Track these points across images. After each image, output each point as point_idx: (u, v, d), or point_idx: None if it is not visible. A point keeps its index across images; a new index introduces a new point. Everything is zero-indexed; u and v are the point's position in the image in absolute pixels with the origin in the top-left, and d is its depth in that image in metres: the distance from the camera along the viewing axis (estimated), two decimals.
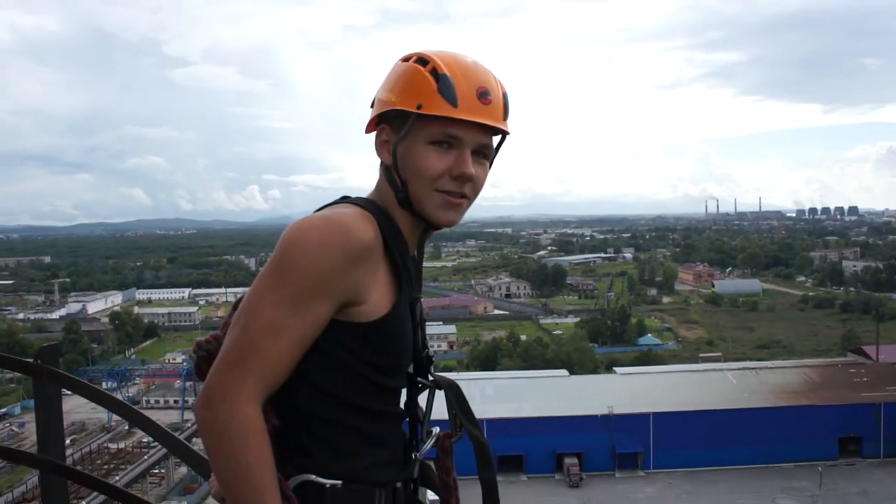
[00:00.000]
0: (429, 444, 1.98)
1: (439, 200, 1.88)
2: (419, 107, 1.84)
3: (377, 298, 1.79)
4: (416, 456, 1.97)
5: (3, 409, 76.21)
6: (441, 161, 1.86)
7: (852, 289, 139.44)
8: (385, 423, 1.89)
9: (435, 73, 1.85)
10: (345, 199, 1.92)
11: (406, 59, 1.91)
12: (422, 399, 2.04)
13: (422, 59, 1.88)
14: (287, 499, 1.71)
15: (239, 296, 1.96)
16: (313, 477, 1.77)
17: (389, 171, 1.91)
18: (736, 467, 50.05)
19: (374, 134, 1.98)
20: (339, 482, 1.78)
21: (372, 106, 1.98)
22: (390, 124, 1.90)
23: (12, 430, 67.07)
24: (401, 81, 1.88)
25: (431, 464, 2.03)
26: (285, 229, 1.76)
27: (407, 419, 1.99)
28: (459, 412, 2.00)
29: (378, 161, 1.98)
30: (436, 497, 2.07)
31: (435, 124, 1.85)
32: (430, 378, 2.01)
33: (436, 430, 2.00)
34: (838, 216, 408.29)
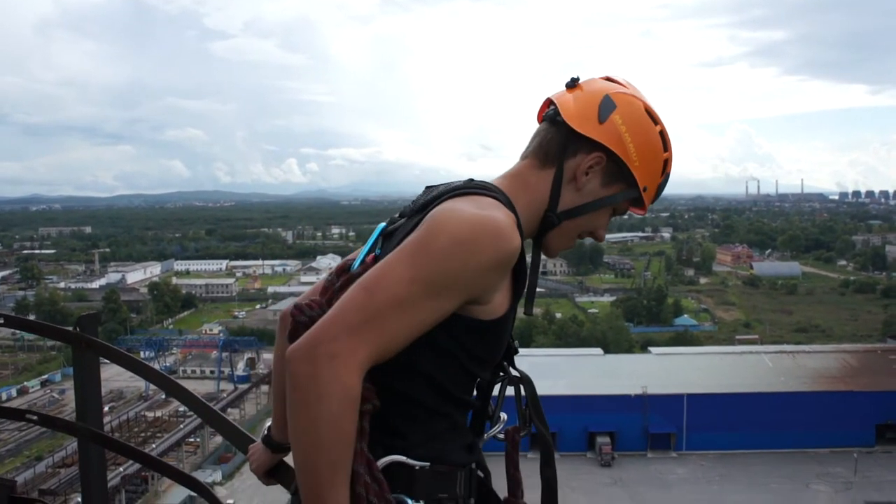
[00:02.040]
0: (496, 429, 2.01)
1: (570, 245, 2.01)
2: (644, 189, 1.94)
3: (500, 299, 1.79)
4: (484, 439, 2.01)
5: (45, 376, 77.68)
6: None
7: (895, 274, 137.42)
8: (466, 412, 1.94)
9: (665, 166, 1.96)
10: (472, 182, 1.88)
11: (654, 121, 1.93)
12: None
13: (664, 141, 1.94)
14: (377, 481, 1.71)
15: (341, 262, 2.00)
16: (404, 458, 1.77)
17: (559, 188, 1.91)
18: (770, 451, 49.76)
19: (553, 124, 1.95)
20: (428, 464, 1.79)
21: (571, 85, 1.98)
22: (607, 160, 1.90)
23: (53, 397, 68.45)
24: (647, 151, 1.92)
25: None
26: (437, 210, 1.74)
27: (480, 405, 2.01)
28: (532, 409, 2.04)
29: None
30: None
31: (628, 203, 1.98)
32: (515, 371, 2.03)
33: (504, 416, 2.02)
34: (882, 199, 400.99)
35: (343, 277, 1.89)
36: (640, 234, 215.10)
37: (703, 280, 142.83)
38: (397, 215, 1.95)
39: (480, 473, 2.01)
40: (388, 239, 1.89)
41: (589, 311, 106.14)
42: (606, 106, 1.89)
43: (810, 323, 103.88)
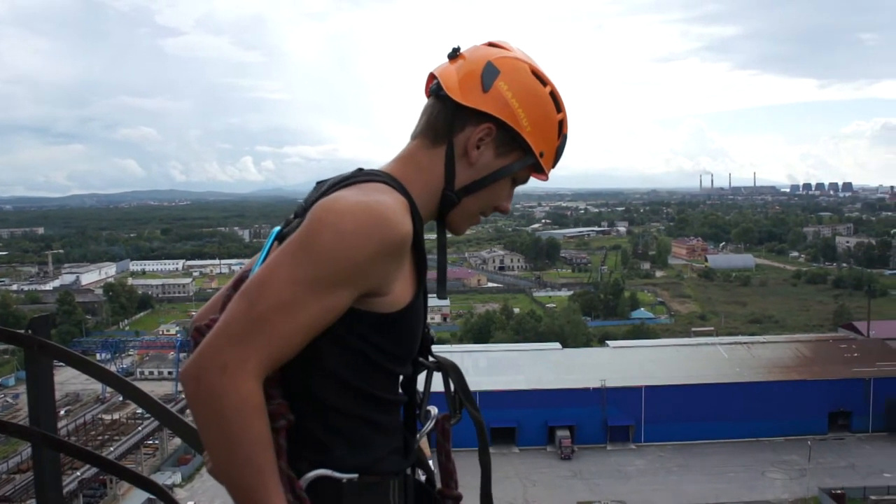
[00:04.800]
0: (429, 425, 1.91)
1: (475, 221, 1.91)
2: (541, 154, 1.84)
3: (400, 289, 1.70)
4: (417, 439, 1.91)
5: None
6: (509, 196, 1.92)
7: (845, 265, 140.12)
8: (393, 412, 1.83)
9: (560, 127, 1.85)
10: (361, 172, 1.78)
11: (542, 82, 1.83)
12: (419, 379, 1.95)
13: (556, 102, 1.84)
14: (299, 499, 1.61)
15: (238, 273, 1.88)
16: (329, 472, 1.67)
17: (452, 165, 1.81)
18: (727, 441, 50.45)
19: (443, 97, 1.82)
20: (356, 476, 1.69)
21: (453, 55, 1.86)
22: (497, 129, 1.79)
23: (7, 402, 67.16)
24: (538, 114, 1.81)
25: (420, 445, 1.95)
26: (318, 204, 1.63)
27: (406, 403, 1.91)
28: (461, 394, 1.94)
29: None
30: None
31: (528, 170, 1.87)
32: (432, 359, 1.94)
33: (433, 410, 1.93)
34: (832, 192, 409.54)
35: None
36: (597, 228, 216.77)
37: (658, 273, 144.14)
38: (292, 216, 1.83)
39: (423, 473, 1.94)
40: (283, 242, 1.72)
41: (546, 305, 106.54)
42: (489, 73, 1.79)
43: (764, 314, 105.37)
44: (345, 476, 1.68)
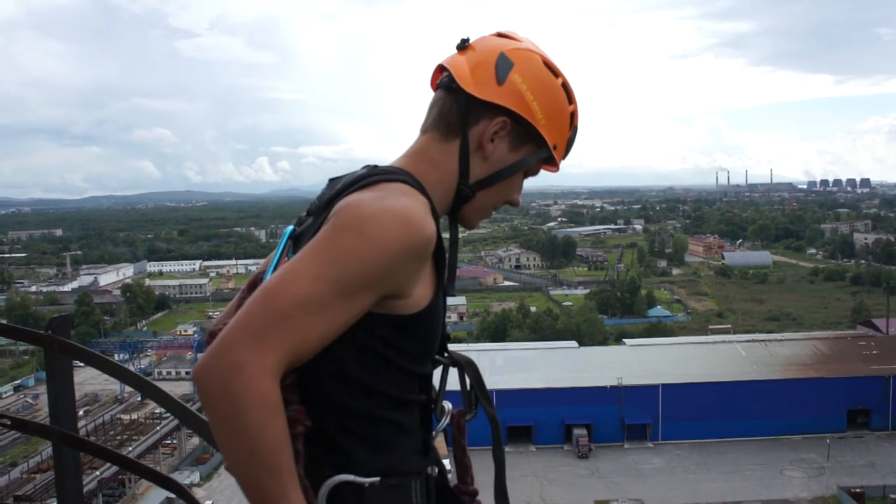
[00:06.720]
0: (444, 422, 1.89)
1: (487, 215, 1.90)
2: (554, 147, 1.83)
3: (420, 291, 1.67)
4: (434, 436, 1.88)
5: (18, 381, 76.84)
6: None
7: (863, 261, 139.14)
8: (412, 411, 1.79)
9: (572, 119, 1.85)
10: (377, 169, 1.75)
11: (554, 73, 1.82)
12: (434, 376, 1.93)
13: (568, 93, 1.83)
14: None
15: (251, 276, 1.84)
16: (352, 477, 1.64)
17: (467, 159, 1.79)
18: (744, 439, 50.21)
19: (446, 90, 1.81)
20: (378, 479, 1.66)
21: (462, 47, 1.84)
22: (511, 122, 1.78)
23: (27, 402, 67.66)
24: (552, 107, 1.80)
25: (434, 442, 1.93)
26: (340, 206, 1.60)
27: (425, 401, 1.87)
28: (477, 390, 1.93)
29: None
30: None
31: (541, 163, 1.86)
32: (447, 355, 1.92)
33: (448, 406, 1.91)
34: (850, 188, 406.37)
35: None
36: (613, 226, 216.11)
37: (675, 271, 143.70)
38: (304, 214, 1.82)
39: (435, 468, 1.89)
40: (298, 242, 1.74)
41: (563, 304, 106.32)
42: (503, 65, 1.76)
43: (781, 311, 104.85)
44: (367, 480, 1.65)
